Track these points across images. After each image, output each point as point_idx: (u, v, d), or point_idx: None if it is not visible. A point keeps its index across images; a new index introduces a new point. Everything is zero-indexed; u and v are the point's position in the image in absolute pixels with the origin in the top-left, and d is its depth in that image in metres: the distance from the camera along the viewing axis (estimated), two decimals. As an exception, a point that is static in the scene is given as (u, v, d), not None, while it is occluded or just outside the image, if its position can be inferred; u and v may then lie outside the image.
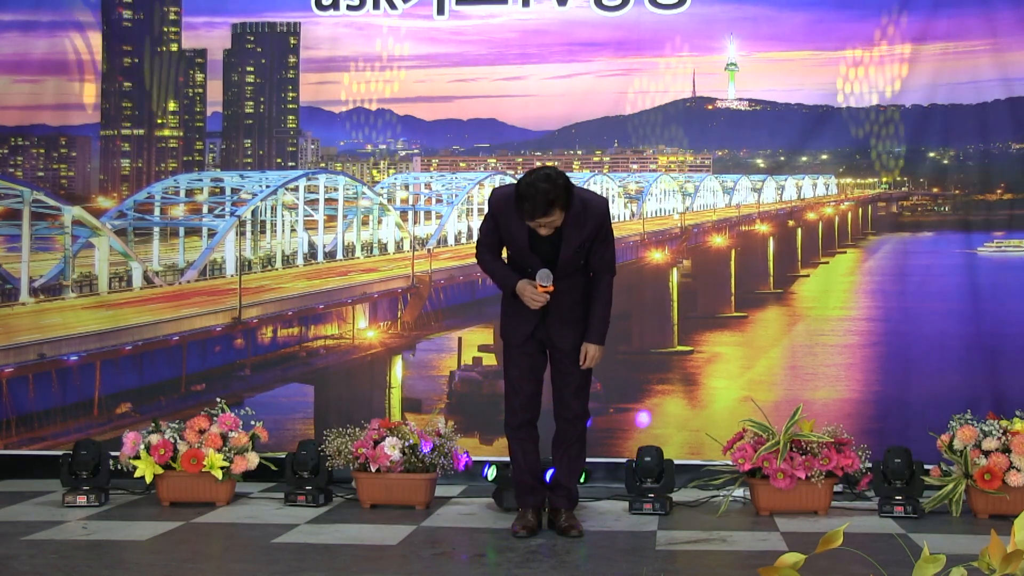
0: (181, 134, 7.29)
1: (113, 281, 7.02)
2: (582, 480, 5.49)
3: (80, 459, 5.70)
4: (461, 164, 7.35)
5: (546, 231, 4.69)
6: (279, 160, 7.30)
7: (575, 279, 4.88)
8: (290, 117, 7.24)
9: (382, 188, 7.31)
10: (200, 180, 7.25)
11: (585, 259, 4.87)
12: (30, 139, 7.33)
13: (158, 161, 7.28)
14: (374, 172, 7.36)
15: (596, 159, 7.23)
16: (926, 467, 5.45)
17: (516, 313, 4.91)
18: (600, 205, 4.86)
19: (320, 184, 7.24)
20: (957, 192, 6.80)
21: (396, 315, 7.08)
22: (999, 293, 6.55)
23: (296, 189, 7.21)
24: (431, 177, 7.32)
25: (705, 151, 7.13)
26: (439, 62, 6.97)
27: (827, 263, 7.06)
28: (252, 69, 7.23)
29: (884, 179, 6.93)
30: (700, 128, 7.06)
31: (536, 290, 4.77)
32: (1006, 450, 5.27)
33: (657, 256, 7.04)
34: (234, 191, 7.21)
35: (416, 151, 7.32)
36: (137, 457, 5.70)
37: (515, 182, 4.72)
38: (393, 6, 6.91)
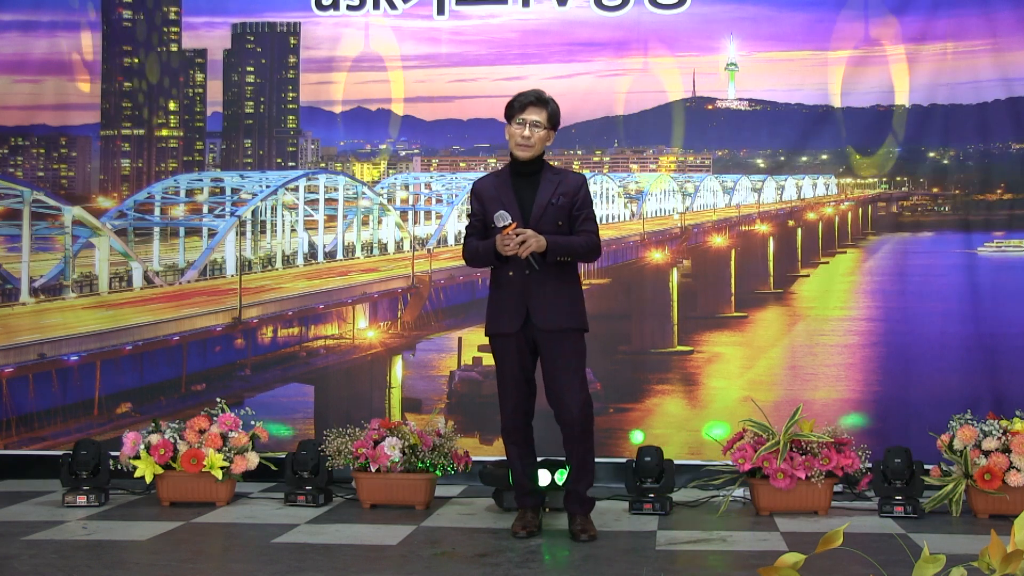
0: (181, 134, 7.30)
1: (113, 281, 7.02)
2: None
3: (80, 459, 5.71)
4: (461, 164, 7.34)
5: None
6: (279, 160, 7.30)
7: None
8: (290, 117, 7.24)
9: (382, 188, 7.31)
10: (200, 180, 7.25)
11: (567, 225, 4.82)
12: (30, 139, 7.33)
13: (158, 161, 7.28)
14: (374, 172, 7.36)
15: (596, 159, 7.23)
16: (926, 467, 5.45)
17: (502, 301, 4.88)
18: (578, 174, 5.05)
19: (320, 184, 7.24)
20: (957, 192, 6.80)
21: (396, 315, 7.08)
22: (999, 293, 6.54)
23: (296, 189, 7.21)
24: (431, 177, 7.32)
25: (705, 151, 7.13)
26: (439, 62, 6.97)
27: (827, 263, 7.05)
28: (252, 69, 7.23)
29: (884, 179, 6.93)
30: (700, 128, 7.05)
31: (503, 235, 4.68)
32: (1006, 450, 5.27)
33: (657, 256, 7.04)
34: (234, 191, 7.20)
35: (416, 151, 7.32)
36: (137, 457, 5.71)
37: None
38: (393, 6, 6.91)
